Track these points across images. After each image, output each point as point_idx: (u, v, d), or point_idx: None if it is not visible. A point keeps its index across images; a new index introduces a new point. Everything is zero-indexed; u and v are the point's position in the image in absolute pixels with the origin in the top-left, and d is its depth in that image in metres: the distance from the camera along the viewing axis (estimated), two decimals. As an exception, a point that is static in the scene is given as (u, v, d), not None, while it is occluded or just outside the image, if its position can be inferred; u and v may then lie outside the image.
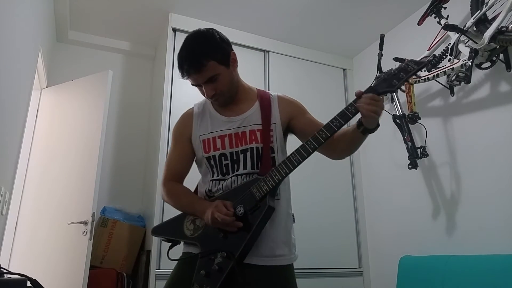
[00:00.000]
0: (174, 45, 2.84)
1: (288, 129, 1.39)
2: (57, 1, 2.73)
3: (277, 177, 1.19)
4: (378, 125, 1.17)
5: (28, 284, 1.16)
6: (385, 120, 2.17)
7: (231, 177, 1.31)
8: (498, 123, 2.14)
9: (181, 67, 1.29)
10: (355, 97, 1.16)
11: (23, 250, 2.53)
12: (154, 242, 2.39)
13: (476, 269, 1.90)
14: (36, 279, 1.18)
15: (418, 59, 2.64)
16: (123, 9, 2.91)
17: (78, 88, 2.85)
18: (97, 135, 2.54)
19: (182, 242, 1.37)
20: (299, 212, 1.54)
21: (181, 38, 2.89)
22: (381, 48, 2.67)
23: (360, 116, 1.15)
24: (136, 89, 3.35)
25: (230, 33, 3.17)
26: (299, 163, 1.18)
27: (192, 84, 1.34)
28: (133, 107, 3.29)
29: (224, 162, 1.33)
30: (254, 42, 3.08)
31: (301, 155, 1.18)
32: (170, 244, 1.38)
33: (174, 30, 2.88)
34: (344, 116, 1.16)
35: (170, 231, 1.38)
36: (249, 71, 2.49)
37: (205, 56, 1.25)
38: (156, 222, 2.43)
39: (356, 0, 2.76)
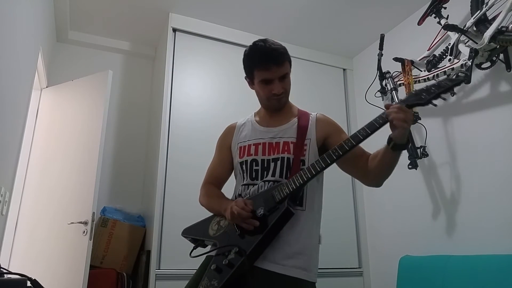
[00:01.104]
0: (174, 45, 2.84)
1: (323, 148, 1.39)
2: (57, 1, 2.74)
3: (298, 181, 1.21)
4: (408, 142, 1.18)
5: (28, 284, 1.16)
6: (385, 120, 2.17)
7: (259, 182, 1.34)
8: (498, 123, 2.14)
9: (264, 58, 1.34)
10: (384, 110, 1.17)
11: (23, 250, 2.53)
12: (154, 242, 2.38)
13: (476, 269, 1.90)
14: (36, 279, 1.18)
15: (418, 59, 2.65)
16: (123, 9, 2.91)
17: (78, 88, 2.85)
18: (97, 135, 2.53)
19: (209, 246, 1.39)
20: (299, 212, 1.54)
21: (181, 38, 2.91)
22: (381, 48, 2.66)
23: (390, 134, 1.16)
24: (136, 89, 3.35)
25: (230, 33, 3.19)
26: (322, 169, 1.21)
27: (262, 80, 1.36)
28: (133, 107, 3.29)
29: (254, 168, 1.37)
30: (254, 42, 3.08)
31: (325, 161, 1.20)
32: (192, 245, 1.41)
33: (174, 30, 2.88)
34: (371, 126, 1.17)
35: (196, 232, 1.43)
36: (249, 71, 2.48)
37: (285, 55, 1.37)
38: (156, 222, 2.43)
39: (356, 0, 2.76)
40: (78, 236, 2.35)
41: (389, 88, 2.59)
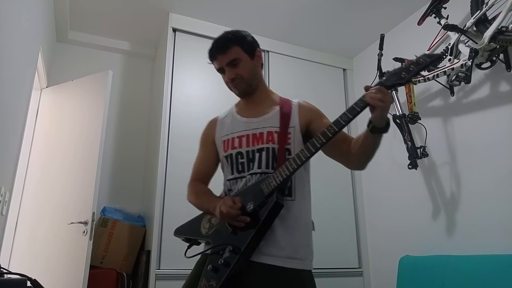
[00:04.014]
0: (174, 45, 2.84)
1: (307, 134, 1.38)
2: (57, 1, 2.74)
3: (285, 172, 1.20)
4: (388, 124, 1.15)
5: (28, 284, 1.16)
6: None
7: (247, 175, 1.33)
8: (498, 123, 2.14)
9: (210, 50, 1.40)
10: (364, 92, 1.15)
11: (23, 250, 2.53)
12: (154, 242, 2.38)
13: (476, 269, 1.90)
14: (36, 279, 1.18)
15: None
16: (123, 9, 2.91)
17: (78, 88, 2.85)
18: (97, 135, 2.54)
19: (202, 244, 1.39)
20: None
21: (181, 38, 2.92)
22: (381, 48, 2.67)
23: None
24: (136, 89, 3.35)
25: (230, 33, 3.15)
26: (307, 158, 1.19)
27: (217, 69, 1.41)
28: (133, 107, 3.29)
29: (240, 160, 1.36)
30: (254, 42, 3.07)
31: (309, 150, 1.19)
32: (187, 244, 1.41)
33: (174, 30, 2.88)
34: (352, 110, 1.14)
35: (189, 231, 1.41)
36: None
37: (231, 41, 1.37)
38: (156, 222, 2.43)
39: (356, 0, 2.76)
40: (78, 236, 2.35)
41: (389, 88, 2.59)
